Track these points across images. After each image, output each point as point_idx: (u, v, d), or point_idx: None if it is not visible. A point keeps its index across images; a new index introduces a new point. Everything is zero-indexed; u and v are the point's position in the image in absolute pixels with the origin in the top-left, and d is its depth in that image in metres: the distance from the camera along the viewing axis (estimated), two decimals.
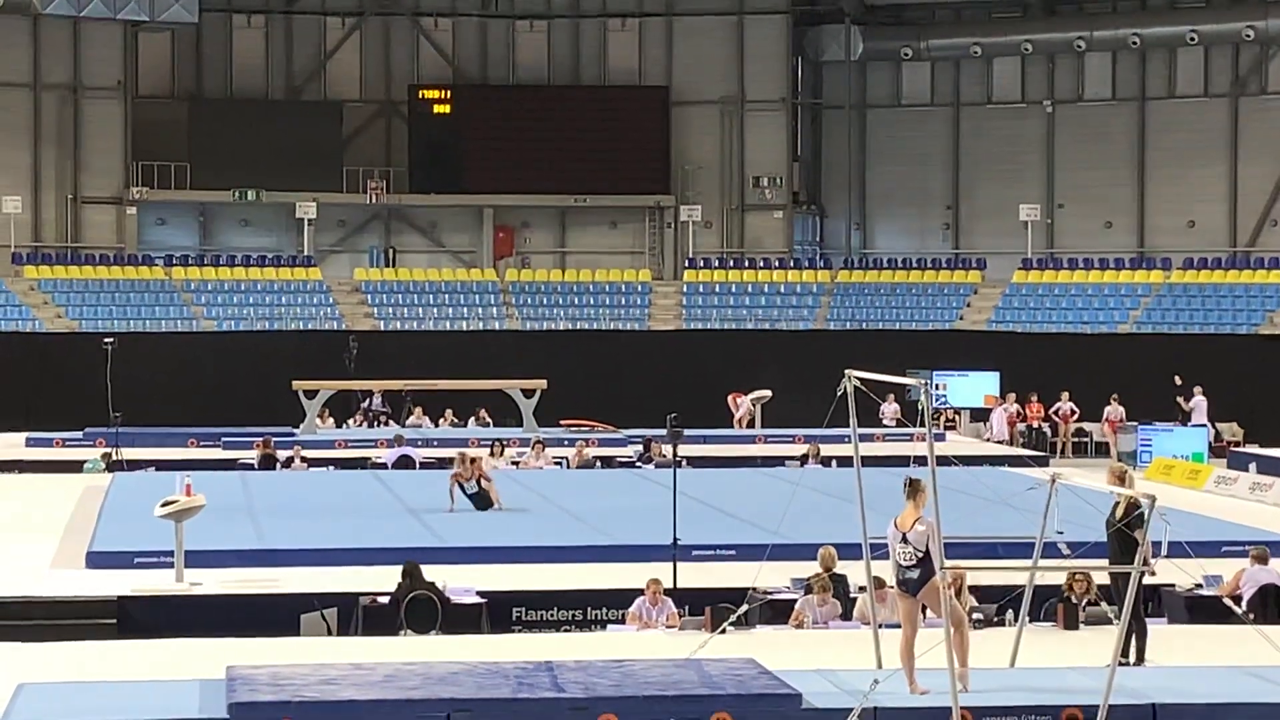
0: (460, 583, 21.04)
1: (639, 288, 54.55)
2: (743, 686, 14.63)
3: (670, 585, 20.62)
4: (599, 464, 37.37)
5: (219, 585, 21.52)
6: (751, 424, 45.04)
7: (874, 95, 57.21)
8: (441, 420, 45.26)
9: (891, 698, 14.94)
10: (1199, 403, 42.72)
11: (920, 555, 15.04)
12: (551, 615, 21.17)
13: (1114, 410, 43.86)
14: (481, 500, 27.69)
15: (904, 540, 15.12)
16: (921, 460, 15.08)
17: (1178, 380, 42.88)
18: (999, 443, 43.51)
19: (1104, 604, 18.93)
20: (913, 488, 15.13)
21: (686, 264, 55.27)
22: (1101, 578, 18.70)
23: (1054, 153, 55.28)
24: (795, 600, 19.91)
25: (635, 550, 23.59)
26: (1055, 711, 14.85)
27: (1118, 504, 16.75)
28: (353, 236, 56.58)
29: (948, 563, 15.03)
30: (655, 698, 14.31)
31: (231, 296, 52.52)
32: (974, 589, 19.65)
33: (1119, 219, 54.80)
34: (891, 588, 16.07)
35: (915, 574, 15.10)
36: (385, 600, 20.28)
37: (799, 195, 57.51)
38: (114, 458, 36.05)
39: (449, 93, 55.87)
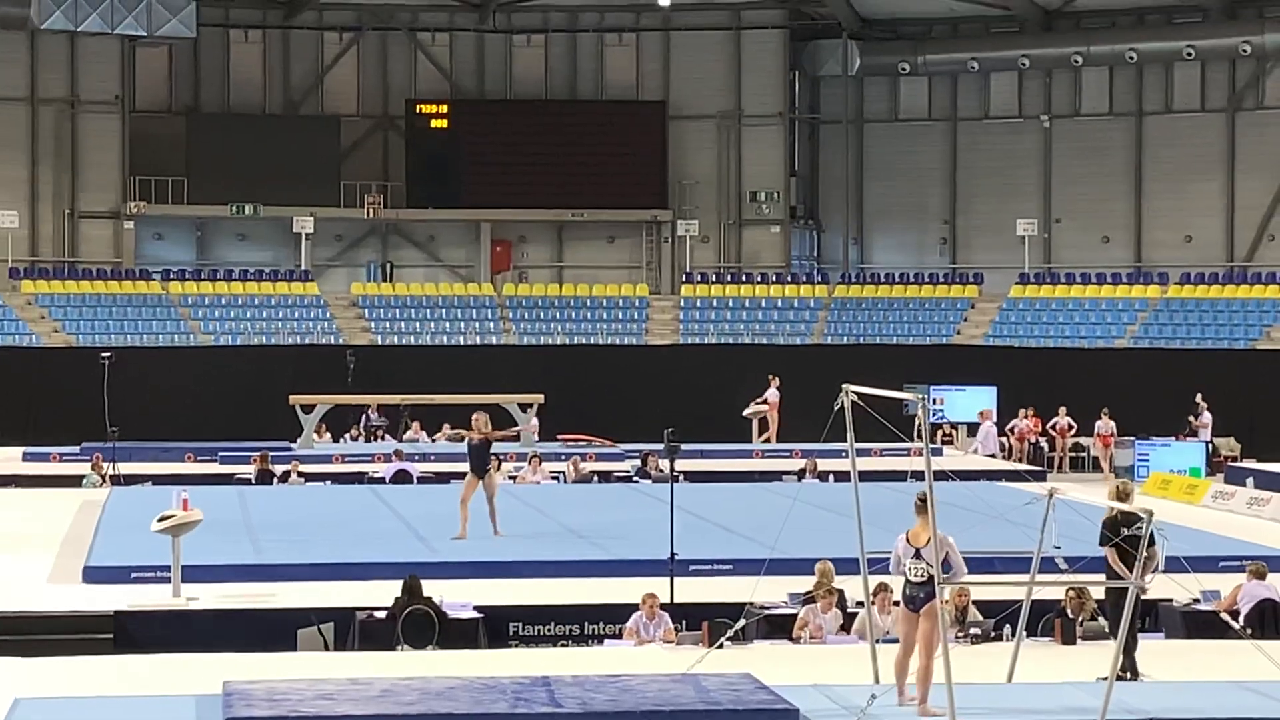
0: (457, 598, 21.03)
1: (636, 302, 54.52)
2: (740, 701, 14.59)
3: (667, 600, 20.62)
4: (596, 479, 37.33)
5: (216, 600, 21.50)
6: (765, 428, 44.97)
7: (871, 110, 57.22)
8: (438, 435, 45.21)
9: (889, 713, 14.93)
10: (1209, 419, 42.85)
11: (932, 573, 14.88)
12: (548, 630, 21.15)
13: (1104, 425, 43.79)
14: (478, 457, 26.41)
15: (917, 555, 15.03)
16: (919, 475, 15.06)
17: (1199, 398, 43.03)
18: (989, 456, 43.43)
19: (1101, 619, 18.91)
20: (925, 503, 15.00)
21: (684, 279, 55.23)
22: (1099, 592, 18.69)
23: (1051, 167, 55.26)
24: (793, 615, 19.89)
25: (632, 565, 23.58)
26: None
27: (1109, 517, 16.75)
28: (350, 251, 56.56)
29: (948, 580, 15.00)
30: (652, 713, 14.28)
31: (228, 311, 52.46)
32: (973, 603, 19.66)
33: (1116, 234, 54.79)
34: (897, 603, 15.98)
35: (923, 592, 15.00)
36: (382, 615, 20.27)
37: (796, 210, 57.46)
38: (105, 472, 35.97)
39: (446, 107, 55.81)
